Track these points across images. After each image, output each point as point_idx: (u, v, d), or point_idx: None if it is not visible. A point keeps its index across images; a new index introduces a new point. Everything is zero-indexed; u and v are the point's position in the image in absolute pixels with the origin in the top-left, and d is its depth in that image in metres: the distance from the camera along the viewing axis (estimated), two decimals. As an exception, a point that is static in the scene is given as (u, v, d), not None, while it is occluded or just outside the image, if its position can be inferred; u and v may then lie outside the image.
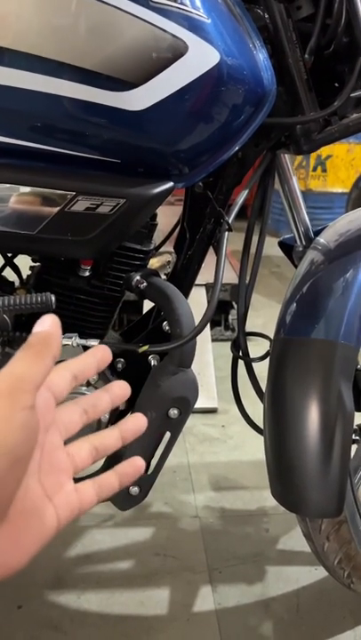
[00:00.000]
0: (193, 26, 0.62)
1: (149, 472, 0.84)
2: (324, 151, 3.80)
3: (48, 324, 0.36)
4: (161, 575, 1.19)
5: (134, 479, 0.41)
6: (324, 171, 3.92)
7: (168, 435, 0.83)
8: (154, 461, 0.84)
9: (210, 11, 0.64)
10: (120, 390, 0.43)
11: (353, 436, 1.05)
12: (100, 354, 0.41)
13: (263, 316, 2.37)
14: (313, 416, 0.79)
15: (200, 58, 0.63)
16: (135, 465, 0.42)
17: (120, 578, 1.18)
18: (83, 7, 0.61)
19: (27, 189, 0.70)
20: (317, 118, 0.80)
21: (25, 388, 0.32)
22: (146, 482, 0.84)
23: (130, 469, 0.41)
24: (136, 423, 0.42)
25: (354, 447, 1.03)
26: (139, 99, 0.64)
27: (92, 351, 0.41)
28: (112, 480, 0.40)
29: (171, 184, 0.73)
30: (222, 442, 1.69)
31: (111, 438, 0.41)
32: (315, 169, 3.91)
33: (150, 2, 0.61)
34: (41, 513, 0.35)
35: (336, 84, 0.84)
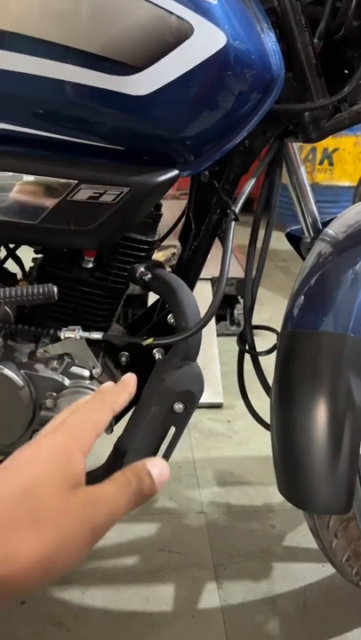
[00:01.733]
0: (199, 7, 0.60)
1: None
2: (330, 144, 3.76)
3: (161, 479, 0.38)
4: (166, 571, 1.18)
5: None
6: (331, 164, 3.88)
7: (173, 429, 0.81)
8: (159, 456, 0.82)
9: (216, -9, 0.62)
10: (133, 388, 0.45)
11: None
12: (131, 387, 0.44)
13: (269, 311, 2.36)
14: (321, 411, 0.77)
15: (206, 40, 0.61)
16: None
17: (125, 574, 1.17)
18: (85, -12, 0.59)
19: (28, 178, 0.69)
20: (327, 105, 0.78)
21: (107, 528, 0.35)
22: (150, 477, 0.83)
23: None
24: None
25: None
26: (143, 83, 0.62)
27: (126, 386, 0.44)
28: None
29: (176, 172, 0.71)
30: (228, 437, 1.67)
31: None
32: (321, 162, 3.87)
33: (155, -19, 0.59)
34: None
35: (346, 70, 0.82)
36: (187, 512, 1.36)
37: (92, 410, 0.40)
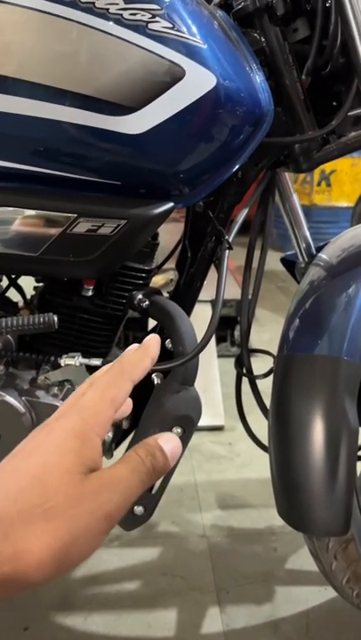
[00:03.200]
0: (190, 51, 0.64)
1: (154, 491, 0.84)
2: (328, 166, 3.83)
3: (173, 454, 0.36)
4: (168, 596, 1.18)
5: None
6: (329, 185, 3.94)
7: (172, 453, 0.83)
8: (158, 480, 0.83)
9: (206, 36, 0.65)
10: (155, 351, 0.41)
11: (360, 453, 1.05)
12: (153, 351, 0.40)
13: (269, 331, 2.37)
14: (318, 433, 0.79)
15: (197, 82, 0.65)
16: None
17: (127, 599, 1.17)
18: (82, 36, 0.62)
19: (29, 212, 0.71)
20: (315, 137, 0.81)
21: (123, 511, 0.33)
22: (151, 501, 0.84)
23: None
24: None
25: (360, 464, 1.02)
26: (138, 122, 0.65)
27: (147, 350, 0.40)
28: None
29: (171, 204, 0.74)
30: (229, 459, 1.68)
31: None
32: (319, 184, 3.94)
33: (147, 29, 0.62)
34: None
35: (334, 103, 0.86)
36: (189, 535, 1.36)
37: (109, 384, 0.37)
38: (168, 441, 0.36)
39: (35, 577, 0.29)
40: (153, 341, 0.41)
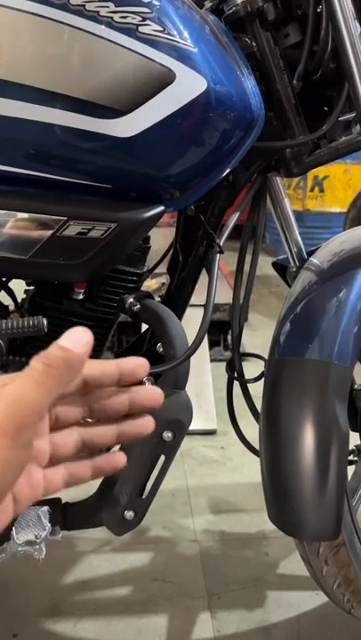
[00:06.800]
0: (180, 55, 0.64)
1: (144, 496, 0.83)
2: (321, 172, 3.85)
3: (76, 343, 0.33)
4: (159, 601, 1.17)
5: (109, 474, 0.39)
6: (322, 191, 3.96)
7: (163, 458, 0.82)
8: (149, 485, 0.83)
9: (197, 40, 0.66)
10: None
11: (351, 457, 1.05)
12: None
13: (263, 336, 2.37)
14: (308, 437, 0.78)
15: (187, 85, 0.65)
16: (114, 461, 0.38)
17: (118, 604, 1.16)
18: (73, 39, 0.62)
19: (19, 215, 0.71)
20: (306, 142, 0.81)
21: (30, 424, 0.31)
22: (141, 506, 0.83)
23: (107, 465, 0.38)
24: (139, 425, 0.39)
25: (352, 468, 1.02)
26: (128, 126, 0.65)
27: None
28: (85, 470, 0.38)
29: (162, 208, 0.74)
30: (222, 464, 1.67)
31: (105, 436, 0.38)
32: (312, 189, 3.95)
33: (138, 32, 0.62)
34: None
35: (325, 108, 0.86)
36: (180, 540, 1.35)
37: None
38: (69, 334, 0.33)
39: None
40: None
